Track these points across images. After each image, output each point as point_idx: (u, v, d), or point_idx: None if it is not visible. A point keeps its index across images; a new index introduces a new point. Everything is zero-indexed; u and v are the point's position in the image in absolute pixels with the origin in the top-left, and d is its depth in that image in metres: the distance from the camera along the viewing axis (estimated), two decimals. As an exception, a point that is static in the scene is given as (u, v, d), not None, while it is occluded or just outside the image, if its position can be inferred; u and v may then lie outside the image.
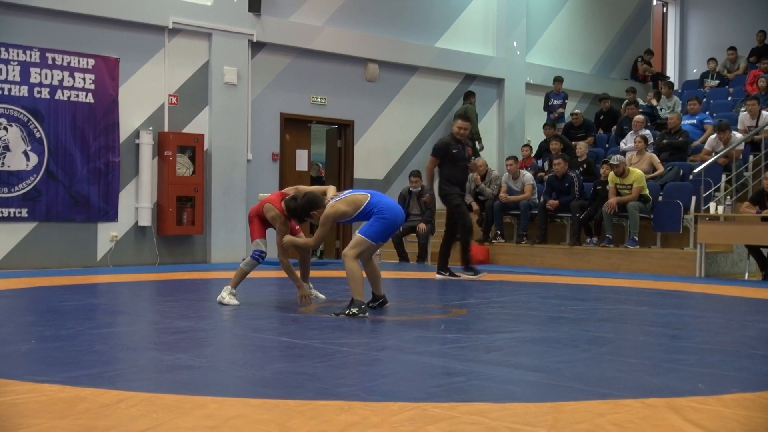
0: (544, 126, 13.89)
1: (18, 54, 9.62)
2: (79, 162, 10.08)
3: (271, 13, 11.77)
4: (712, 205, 9.92)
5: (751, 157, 11.42)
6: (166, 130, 10.83)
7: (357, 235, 5.71)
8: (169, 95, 10.90)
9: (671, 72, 18.65)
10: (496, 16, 14.84)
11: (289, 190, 6.23)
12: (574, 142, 12.91)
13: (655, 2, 18.61)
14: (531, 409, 3.04)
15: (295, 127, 12.40)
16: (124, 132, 10.50)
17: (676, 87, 16.07)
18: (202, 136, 11.04)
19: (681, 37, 18.94)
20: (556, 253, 11.32)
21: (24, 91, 9.66)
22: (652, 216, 10.63)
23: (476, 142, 13.53)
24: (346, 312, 5.58)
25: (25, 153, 9.70)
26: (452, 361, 4.01)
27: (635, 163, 11.22)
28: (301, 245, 6.10)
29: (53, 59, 9.87)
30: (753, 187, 10.81)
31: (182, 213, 10.83)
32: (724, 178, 10.88)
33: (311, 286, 6.59)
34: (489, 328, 5.30)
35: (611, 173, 10.68)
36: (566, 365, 3.91)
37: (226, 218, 11.27)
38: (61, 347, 4.30)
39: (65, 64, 9.96)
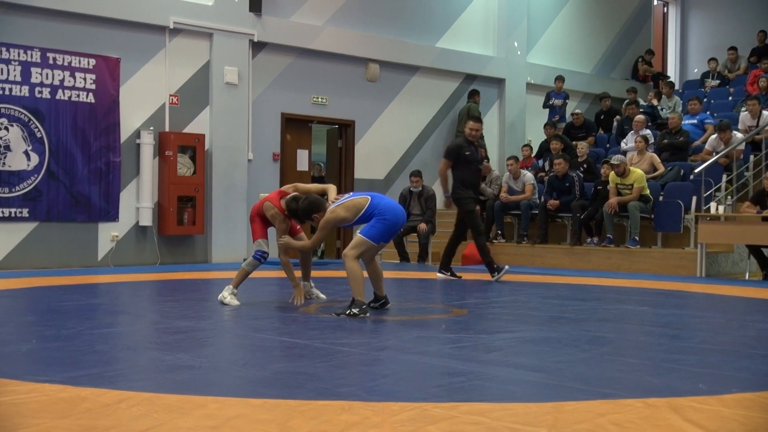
0: (545, 126, 13.89)
1: (19, 54, 9.63)
2: (80, 162, 10.08)
3: (272, 13, 11.78)
4: (712, 205, 9.92)
5: (751, 157, 11.42)
6: (166, 130, 10.83)
7: (358, 236, 5.71)
8: (170, 95, 10.90)
9: (672, 72, 18.64)
10: (497, 16, 14.84)
11: (288, 188, 6.22)
12: (574, 142, 12.91)
13: (655, 2, 18.61)
14: (531, 409, 3.04)
15: (295, 127, 12.40)
16: (125, 132, 10.50)
17: (676, 87, 16.06)
18: (203, 136, 11.05)
19: (682, 37, 18.93)
20: (556, 253, 11.32)
21: (25, 91, 9.67)
22: (652, 216, 10.63)
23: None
24: (347, 312, 5.58)
25: (26, 153, 9.71)
26: (453, 361, 4.01)
27: (636, 163, 11.22)
28: (297, 248, 6.08)
29: (54, 59, 9.87)
30: (754, 187, 10.81)
31: (183, 213, 10.84)
32: (724, 178, 10.89)
33: (312, 285, 6.59)
34: (489, 328, 5.30)
35: (612, 173, 10.68)
36: (567, 365, 3.91)
37: (226, 218, 11.27)
38: (61, 347, 4.30)
39: (66, 64, 9.96)
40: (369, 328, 5.18)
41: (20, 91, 9.64)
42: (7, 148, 9.56)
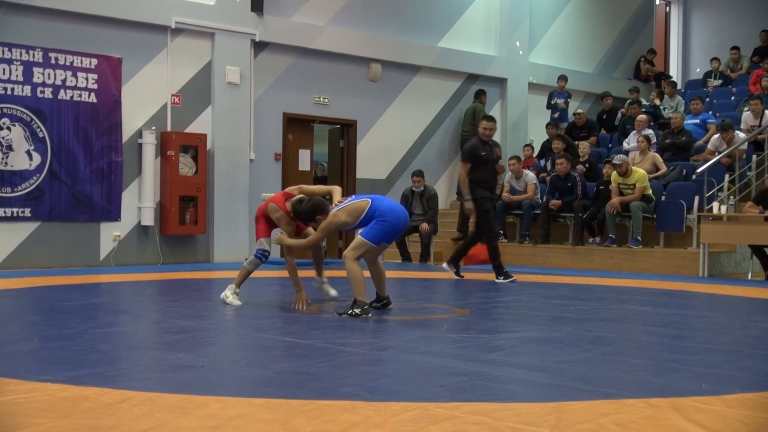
0: (547, 126, 13.88)
1: (21, 54, 9.63)
2: (82, 162, 10.09)
3: (274, 13, 11.78)
4: (715, 204, 9.91)
5: (754, 157, 11.41)
6: (168, 129, 10.84)
7: (358, 237, 5.72)
8: (172, 95, 10.90)
9: (674, 71, 18.62)
10: (499, 15, 14.84)
11: (293, 190, 6.22)
12: (576, 142, 12.90)
13: (658, 2, 18.59)
14: (534, 409, 3.04)
15: (297, 126, 12.40)
16: (127, 132, 10.51)
17: (679, 86, 16.05)
18: (205, 135, 11.05)
19: (684, 37, 18.91)
20: (558, 252, 11.31)
21: (27, 90, 9.67)
22: (655, 216, 10.62)
23: None
24: (349, 312, 5.58)
25: (28, 153, 9.71)
26: (455, 361, 4.01)
27: (638, 163, 11.21)
28: (292, 246, 6.06)
29: (56, 59, 9.87)
30: (756, 187, 10.81)
31: (185, 213, 10.84)
32: (727, 177, 10.87)
33: (325, 281, 6.58)
34: (492, 328, 5.30)
35: (614, 173, 10.67)
36: (569, 365, 3.91)
37: (228, 218, 11.27)
38: (64, 347, 4.31)
39: (68, 63, 9.97)
40: (371, 328, 5.18)
41: (22, 90, 9.64)
42: (10, 147, 9.56)
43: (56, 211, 9.91)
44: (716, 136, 11.40)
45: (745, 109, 12.24)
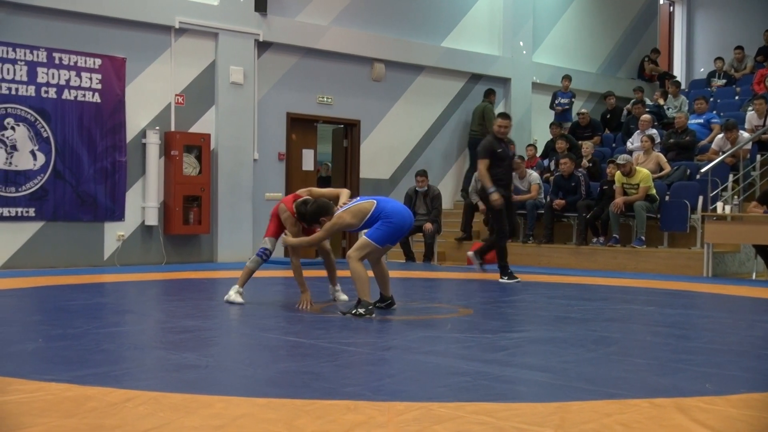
0: (551, 125, 13.87)
1: (25, 54, 9.65)
2: (86, 161, 10.10)
3: (278, 13, 11.78)
4: (719, 204, 9.90)
5: (758, 157, 11.40)
6: (172, 129, 10.85)
7: (363, 238, 5.72)
8: (176, 95, 10.91)
9: (678, 71, 18.60)
10: (503, 15, 14.83)
11: (303, 192, 6.25)
12: (580, 142, 12.89)
13: (661, 1, 18.56)
14: (538, 409, 3.04)
15: (301, 126, 12.40)
16: (131, 131, 10.52)
17: (683, 86, 16.04)
18: (209, 135, 11.06)
19: (688, 37, 18.89)
20: (562, 252, 11.30)
21: (31, 90, 9.69)
22: (659, 216, 10.61)
23: None
24: (353, 312, 5.58)
25: (33, 153, 9.73)
26: (459, 360, 4.01)
27: (642, 163, 11.20)
28: (294, 244, 6.05)
29: (60, 59, 9.89)
30: (760, 187, 10.78)
31: (189, 212, 10.85)
32: (731, 177, 10.85)
33: (338, 288, 6.58)
34: (495, 328, 5.29)
35: (618, 173, 10.66)
36: (573, 365, 3.90)
37: (232, 218, 11.28)
38: (68, 346, 4.31)
39: (72, 63, 9.98)
40: (375, 328, 5.18)
41: (26, 90, 9.66)
42: (14, 147, 9.58)
43: (60, 210, 9.92)
44: (720, 135, 11.39)
45: (749, 108, 12.23)
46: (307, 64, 12.24)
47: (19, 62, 9.58)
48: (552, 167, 12.71)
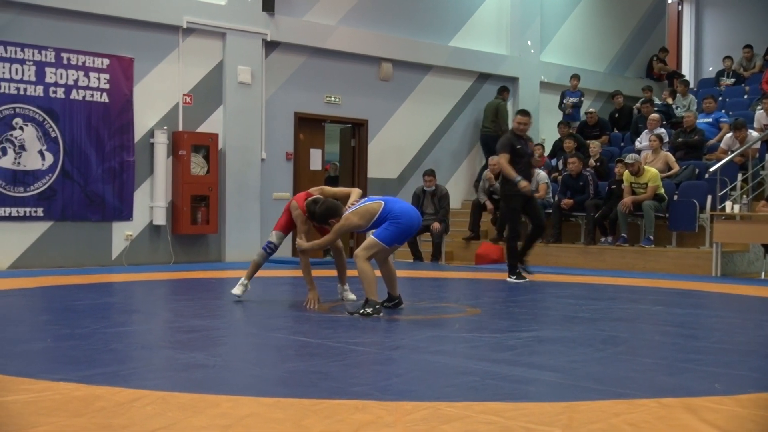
0: (559, 125, 13.84)
1: (33, 54, 9.68)
2: (94, 161, 10.12)
3: (285, 13, 11.79)
4: (728, 204, 9.86)
5: (767, 156, 11.35)
6: (180, 129, 10.86)
7: (370, 237, 5.72)
8: (184, 95, 10.93)
9: (686, 70, 18.54)
10: (510, 14, 14.81)
11: (315, 191, 6.27)
12: (588, 141, 12.86)
13: (670, 0, 18.50)
14: (546, 408, 3.03)
15: (309, 126, 12.41)
16: (139, 131, 10.54)
17: (691, 85, 15.97)
18: (217, 135, 11.07)
19: (696, 35, 18.82)
20: (570, 252, 11.28)
21: (39, 90, 9.72)
22: (667, 215, 10.57)
23: None
24: (361, 311, 5.58)
25: (41, 152, 9.76)
26: (466, 360, 4.00)
27: (650, 162, 11.17)
28: (307, 248, 6.06)
29: (68, 59, 9.91)
30: (769, 186, 10.75)
31: (197, 212, 10.86)
32: (740, 176, 10.81)
33: (346, 288, 6.59)
34: (503, 328, 5.28)
35: (626, 172, 10.63)
36: (581, 365, 3.89)
37: (240, 217, 11.29)
38: (76, 346, 4.32)
39: (80, 63, 10.01)
40: (382, 328, 5.18)
41: (35, 90, 9.68)
42: (22, 147, 9.61)
43: (68, 210, 9.95)
44: (729, 134, 11.35)
45: (758, 107, 12.18)
46: (314, 64, 12.24)
47: (27, 62, 9.62)
48: (560, 167, 12.68)
